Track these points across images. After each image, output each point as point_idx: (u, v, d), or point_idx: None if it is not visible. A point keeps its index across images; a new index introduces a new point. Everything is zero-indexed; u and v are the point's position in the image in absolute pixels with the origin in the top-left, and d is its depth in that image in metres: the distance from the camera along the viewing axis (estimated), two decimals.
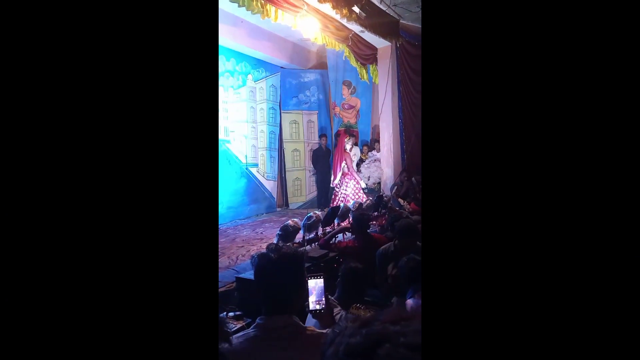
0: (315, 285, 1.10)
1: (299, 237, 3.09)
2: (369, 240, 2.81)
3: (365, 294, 1.88)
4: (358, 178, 5.45)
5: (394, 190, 5.16)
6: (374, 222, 4.36)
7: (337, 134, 6.42)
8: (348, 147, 5.46)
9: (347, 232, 3.28)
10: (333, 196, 5.51)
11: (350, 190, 5.30)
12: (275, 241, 2.85)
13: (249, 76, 5.78)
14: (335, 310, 1.47)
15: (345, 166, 5.38)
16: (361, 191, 5.32)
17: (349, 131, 6.43)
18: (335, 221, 3.62)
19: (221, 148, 5.30)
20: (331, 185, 5.68)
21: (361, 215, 2.96)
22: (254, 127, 5.91)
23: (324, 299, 1.10)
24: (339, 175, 5.37)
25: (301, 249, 2.88)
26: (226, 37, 4.89)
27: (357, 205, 4.04)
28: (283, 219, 5.24)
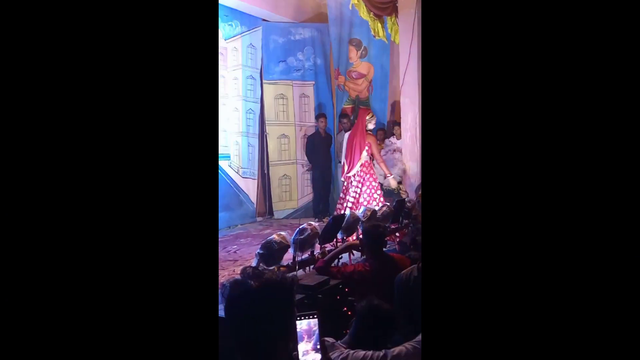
0: (308, 327, 1.10)
1: (288, 257, 3.05)
2: (385, 263, 2.83)
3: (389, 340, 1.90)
4: (386, 171, 5.41)
5: (420, 193, 5.15)
6: (393, 236, 4.40)
7: (343, 114, 6.49)
8: (371, 126, 5.39)
9: (355, 252, 3.29)
10: (342, 193, 5.42)
11: (365, 189, 5.28)
12: (254, 264, 2.83)
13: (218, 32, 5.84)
14: (334, 354, 1.50)
15: (367, 155, 5.30)
16: (378, 191, 5.31)
17: (357, 109, 6.43)
18: (339, 236, 3.60)
19: None
20: (341, 177, 5.60)
21: (374, 227, 2.95)
22: (224, 104, 5.88)
23: (319, 346, 1.10)
24: (357, 165, 5.28)
25: (291, 274, 2.82)
26: None
27: (368, 213, 3.97)
28: (266, 232, 5.25)
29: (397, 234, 4.47)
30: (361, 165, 5.31)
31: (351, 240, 3.59)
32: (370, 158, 5.37)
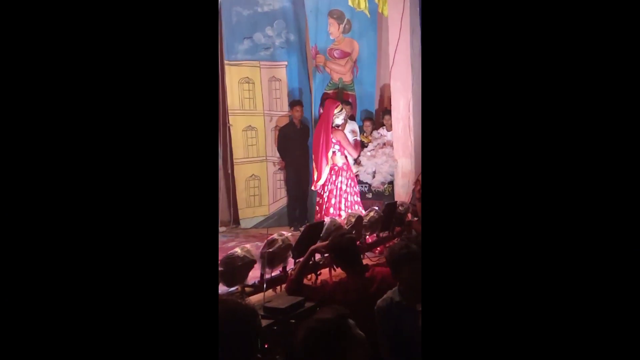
0: None
1: (254, 275, 3.08)
2: (367, 280, 2.85)
3: None
4: (354, 154, 5.35)
5: (417, 194, 5.14)
6: (382, 247, 4.43)
7: (322, 100, 6.36)
8: (339, 121, 5.33)
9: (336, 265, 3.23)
10: (318, 198, 5.36)
11: (343, 194, 5.27)
12: None
13: None
14: None
15: (337, 154, 5.28)
16: (357, 198, 5.29)
17: (341, 95, 6.43)
18: None
19: None
20: (312, 187, 5.59)
21: (338, 239, 2.98)
22: None
23: None
24: (325, 171, 5.25)
25: (253, 299, 2.81)
26: None
27: (352, 220, 4.01)
28: (229, 245, 5.14)
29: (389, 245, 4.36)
30: (334, 170, 5.27)
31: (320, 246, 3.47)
32: (344, 158, 5.33)
